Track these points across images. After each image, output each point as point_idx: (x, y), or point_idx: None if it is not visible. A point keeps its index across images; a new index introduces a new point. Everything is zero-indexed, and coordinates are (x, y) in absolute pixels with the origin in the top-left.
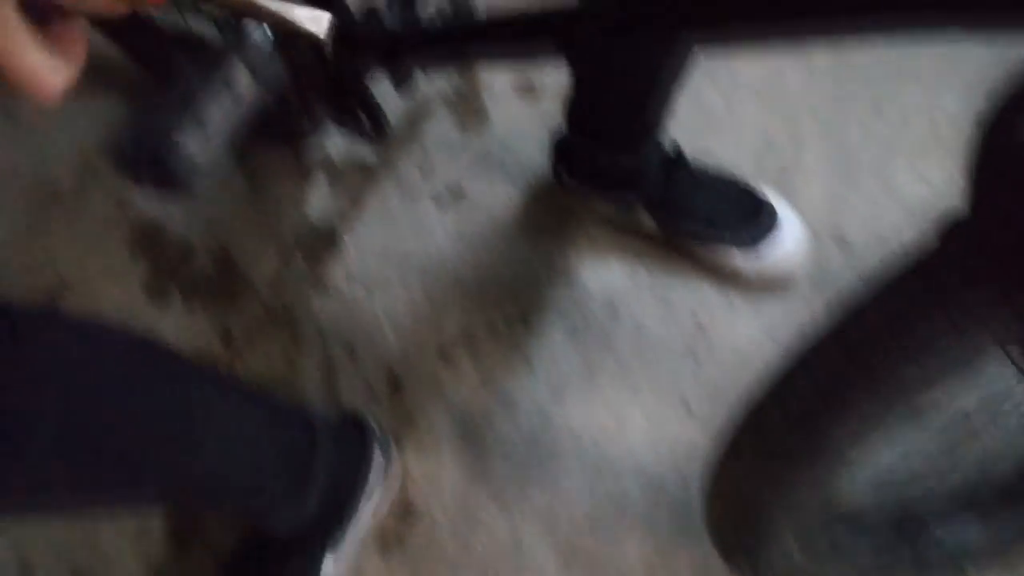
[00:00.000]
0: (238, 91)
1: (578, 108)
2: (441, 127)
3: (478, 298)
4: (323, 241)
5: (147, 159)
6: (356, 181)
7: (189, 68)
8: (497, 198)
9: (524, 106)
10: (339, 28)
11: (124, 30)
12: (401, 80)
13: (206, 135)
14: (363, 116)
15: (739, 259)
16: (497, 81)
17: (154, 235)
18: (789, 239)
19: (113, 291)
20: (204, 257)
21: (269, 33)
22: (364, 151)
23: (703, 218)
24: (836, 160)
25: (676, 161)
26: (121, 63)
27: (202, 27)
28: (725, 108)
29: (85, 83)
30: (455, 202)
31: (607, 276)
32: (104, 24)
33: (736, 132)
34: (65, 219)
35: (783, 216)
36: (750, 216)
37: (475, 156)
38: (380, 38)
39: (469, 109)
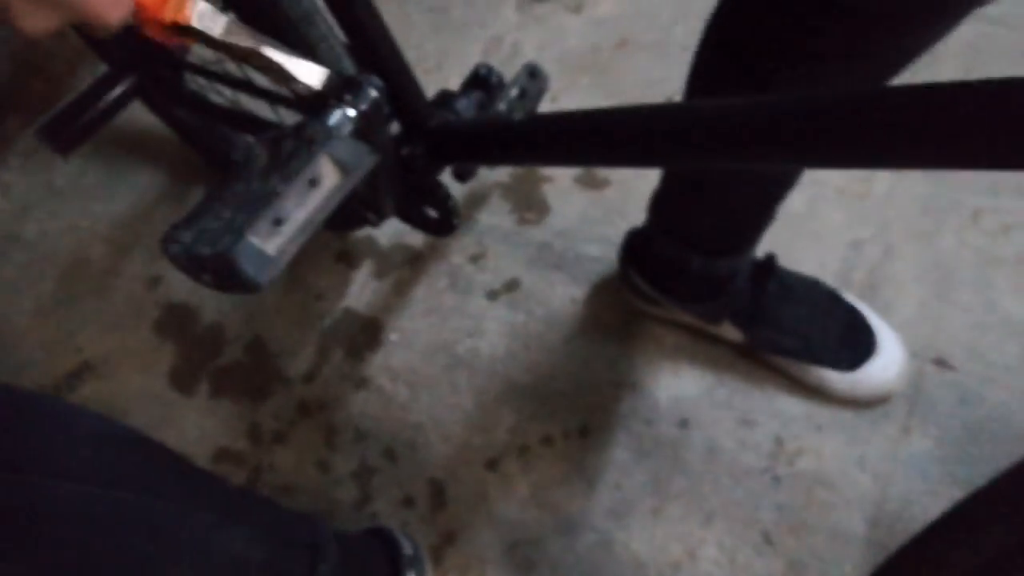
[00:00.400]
0: (325, 186)
1: (669, 206)
2: (497, 216)
3: (532, 404)
4: (365, 334)
5: (214, 260)
6: (404, 270)
7: (261, 154)
8: (556, 295)
9: (587, 197)
10: (414, 121)
11: (171, 104)
12: (466, 171)
13: (284, 235)
14: (432, 211)
15: (833, 380)
16: (558, 168)
17: (184, 318)
18: (888, 361)
19: (136, 376)
20: (236, 345)
21: (350, 118)
22: (413, 237)
23: (796, 333)
24: (930, 271)
25: (767, 268)
26: (162, 136)
27: (258, 106)
28: (807, 209)
29: (122, 155)
30: (511, 299)
31: (679, 387)
32: (151, 99)
33: (819, 236)
34: (93, 294)
35: (881, 335)
36: (848, 335)
37: (533, 249)
38: (458, 135)
39: (527, 198)
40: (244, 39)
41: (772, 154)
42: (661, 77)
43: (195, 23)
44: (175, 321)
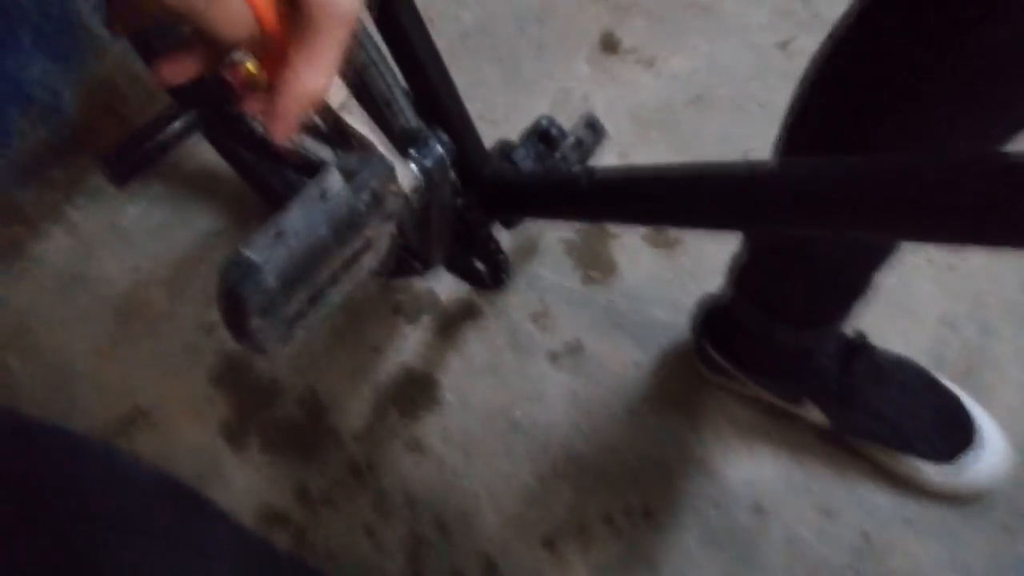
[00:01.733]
0: (331, 201)
1: (753, 271)
2: (562, 275)
3: (594, 480)
4: (422, 394)
5: (219, 290)
6: (463, 327)
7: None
8: (622, 361)
9: (658, 258)
10: (471, 170)
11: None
12: (512, 218)
13: (283, 246)
14: (481, 264)
15: (927, 472)
16: (628, 227)
17: (239, 369)
18: (988, 453)
19: (188, 426)
20: (290, 400)
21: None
22: (473, 293)
23: (886, 418)
24: None
25: (856, 346)
26: (227, 178)
27: (322, 151)
28: (898, 283)
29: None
30: (574, 362)
31: (754, 470)
32: (213, 136)
33: (908, 310)
34: (150, 339)
35: (980, 424)
36: (943, 422)
37: (599, 311)
38: (514, 186)
39: (594, 257)
40: (355, 119)
41: (869, 224)
42: (737, 134)
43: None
44: (230, 370)
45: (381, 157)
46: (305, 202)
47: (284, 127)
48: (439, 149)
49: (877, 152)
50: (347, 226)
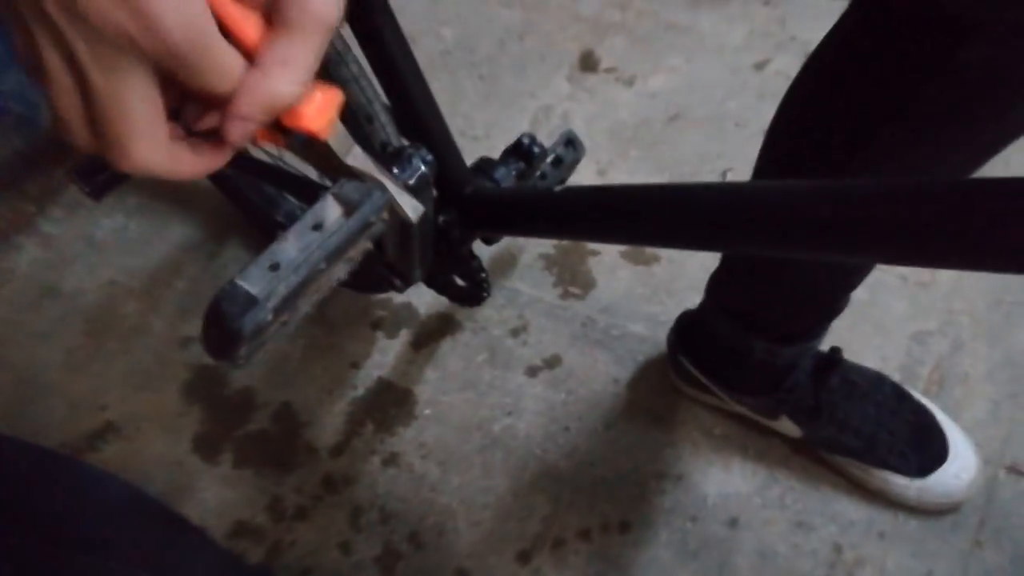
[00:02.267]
0: (328, 228)
1: (732, 286)
2: (540, 288)
3: (570, 492)
4: (399, 408)
5: (208, 315)
6: (442, 343)
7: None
8: (598, 375)
9: (636, 275)
10: (451, 187)
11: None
12: (494, 238)
13: (278, 279)
14: (463, 281)
15: (899, 486)
16: (606, 244)
17: (213, 383)
18: (960, 468)
19: (160, 440)
20: (265, 412)
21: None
22: (452, 307)
23: (860, 433)
24: (1003, 368)
25: (830, 361)
26: (205, 192)
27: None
28: (871, 299)
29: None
30: (552, 376)
31: (728, 483)
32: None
33: (881, 326)
34: (123, 353)
35: (952, 438)
36: (916, 436)
37: (577, 326)
38: (494, 203)
39: (573, 272)
40: (359, 161)
41: (847, 247)
42: (715, 152)
43: (332, 142)
44: (204, 384)
45: (382, 188)
46: (301, 233)
47: (241, 130)
48: (422, 167)
49: (858, 173)
50: (339, 255)
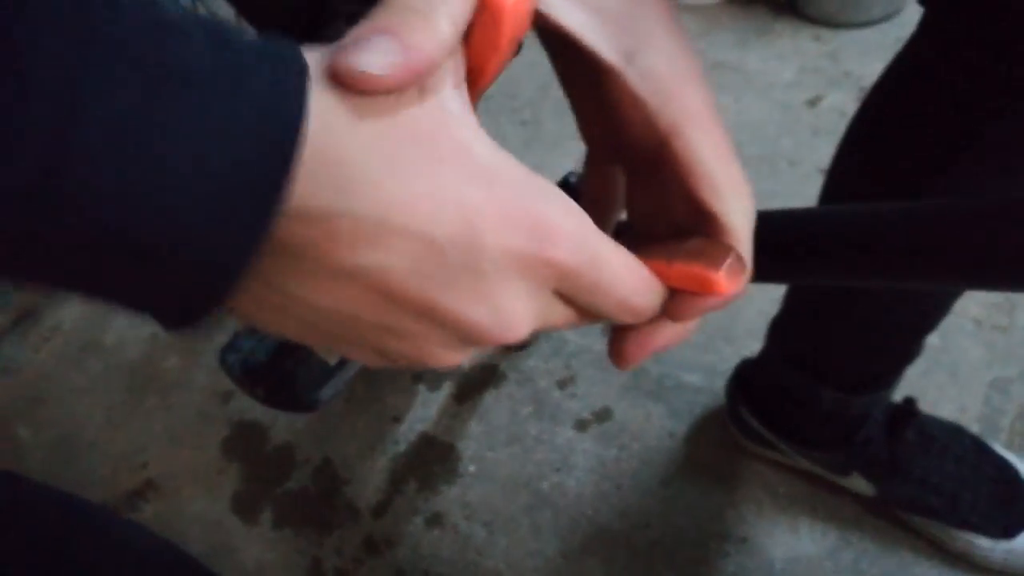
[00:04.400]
0: None
1: (796, 331)
2: (587, 336)
3: (625, 556)
4: (442, 465)
5: (269, 370)
6: (486, 395)
7: None
8: (652, 428)
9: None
10: None
11: None
12: None
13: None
14: None
15: (984, 548)
16: None
17: (253, 437)
18: None
19: (199, 498)
20: (305, 470)
21: None
22: (497, 358)
23: (940, 491)
24: None
25: (905, 413)
26: None
27: None
28: (944, 346)
29: None
30: (602, 430)
31: (796, 546)
32: None
33: (956, 374)
34: (163, 406)
35: None
36: (1002, 496)
37: (628, 377)
38: None
39: None
40: None
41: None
42: (767, 191)
43: None
44: (244, 440)
45: None
46: None
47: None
48: None
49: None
50: None
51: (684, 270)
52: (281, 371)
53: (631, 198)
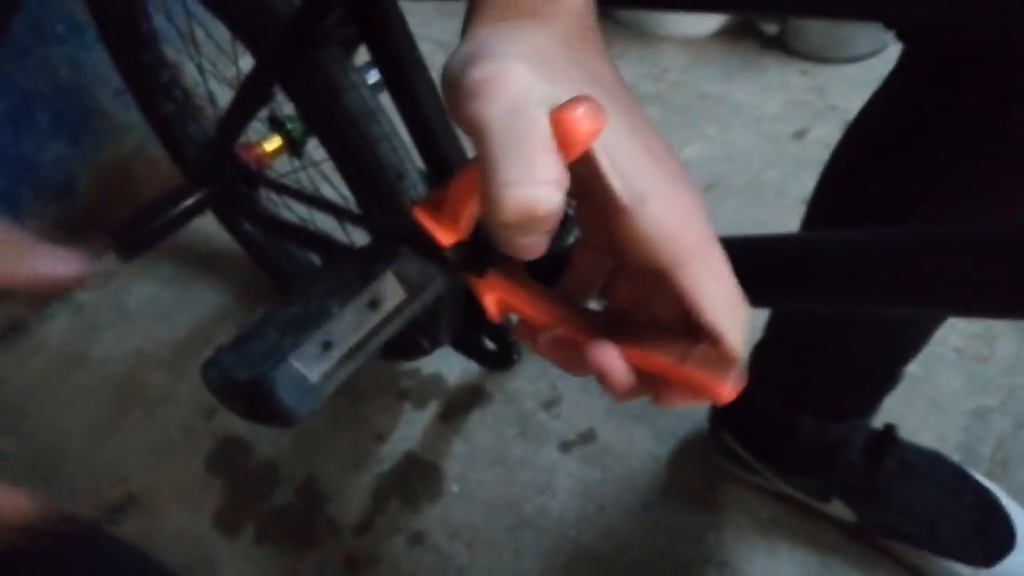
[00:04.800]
0: (386, 307)
1: (778, 356)
2: None
3: None
4: (425, 482)
5: (249, 385)
6: (471, 415)
7: (325, 276)
8: (635, 451)
9: None
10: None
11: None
12: None
13: (332, 360)
14: (492, 344)
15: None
16: None
17: (237, 453)
18: None
19: (181, 513)
20: (288, 487)
21: None
22: (483, 378)
23: (920, 518)
24: None
25: (885, 439)
26: (235, 258)
27: (329, 226)
28: (925, 374)
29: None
30: (586, 453)
31: (777, 570)
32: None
33: (937, 403)
34: (146, 421)
35: (1020, 525)
36: (982, 523)
37: (613, 400)
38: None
39: None
40: None
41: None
42: (753, 221)
43: None
44: (228, 456)
45: (441, 271)
46: (358, 310)
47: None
48: None
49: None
50: (393, 335)
51: (692, 375)
52: (261, 386)
53: (616, 287)
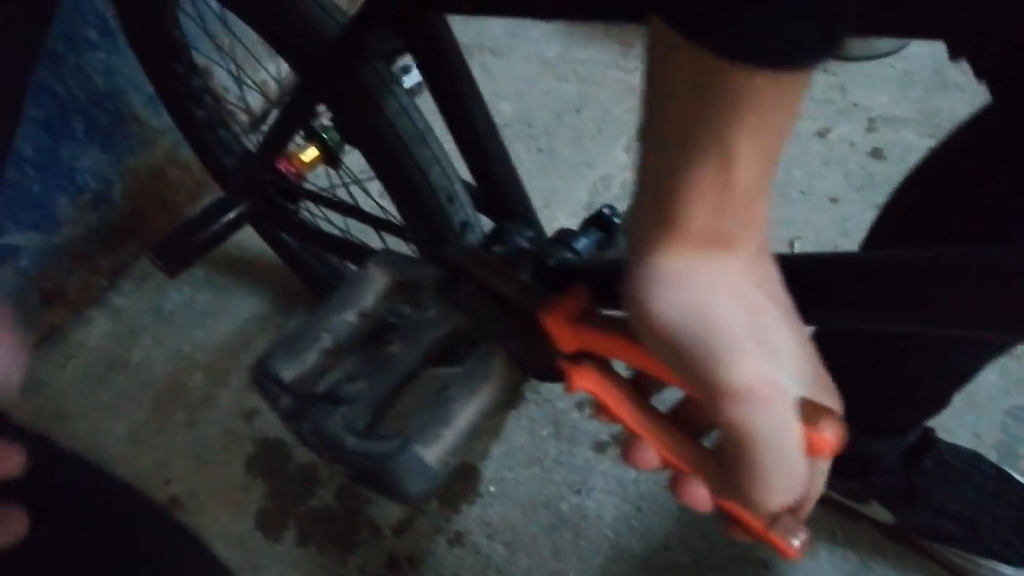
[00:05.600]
0: (496, 382)
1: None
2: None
3: None
4: (462, 482)
5: (362, 459)
6: (506, 416)
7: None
8: None
9: None
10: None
11: (283, 231)
12: None
13: (449, 442)
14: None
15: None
16: None
17: (278, 455)
18: None
19: (223, 515)
20: (328, 488)
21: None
22: None
23: (960, 519)
24: None
25: (923, 442)
26: (271, 265)
27: (367, 237)
28: None
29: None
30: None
31: (816, 570)
32: (262, 226)
33: (973, 402)
34: (188, 424)
35: None
36: (1021, 522)
37: None
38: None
39: None
40: None
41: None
42: (780, 221)
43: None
44: (268, 458)
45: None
46: (472, 386)
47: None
48: (520, 243)
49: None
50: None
51: (772, 538)
52: (383, 473)
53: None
